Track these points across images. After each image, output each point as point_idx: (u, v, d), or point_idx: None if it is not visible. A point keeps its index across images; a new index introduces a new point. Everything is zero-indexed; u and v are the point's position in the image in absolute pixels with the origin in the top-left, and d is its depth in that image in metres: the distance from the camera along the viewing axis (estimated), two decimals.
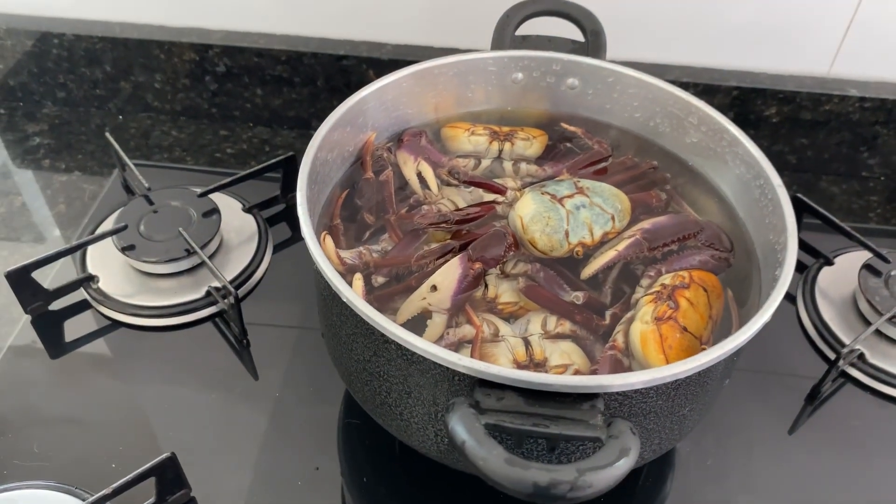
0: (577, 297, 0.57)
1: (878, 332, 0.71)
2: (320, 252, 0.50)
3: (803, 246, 0.80)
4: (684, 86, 0.86)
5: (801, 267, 0.80)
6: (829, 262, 0.78)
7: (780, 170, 0.90)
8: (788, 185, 0.88)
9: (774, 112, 0.87)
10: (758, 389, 0.69)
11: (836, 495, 0.63)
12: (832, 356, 0.70)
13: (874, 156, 0.90)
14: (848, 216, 0.87)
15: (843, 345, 0.70)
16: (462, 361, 0.44)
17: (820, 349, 0.72)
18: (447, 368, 0.45)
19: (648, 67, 0.87)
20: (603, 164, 0.66)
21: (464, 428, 0.40)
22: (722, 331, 0.56)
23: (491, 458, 0.38)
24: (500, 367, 0.43)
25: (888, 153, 0.89)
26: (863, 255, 0.76)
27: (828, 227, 0.78)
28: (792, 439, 0.66)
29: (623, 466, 0.39)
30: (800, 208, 0.79)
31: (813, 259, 0.79)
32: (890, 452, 0.66)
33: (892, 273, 0.73)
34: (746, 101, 0.87)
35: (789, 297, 0.77)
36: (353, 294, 0.47)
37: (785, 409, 0.68)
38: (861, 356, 0.70)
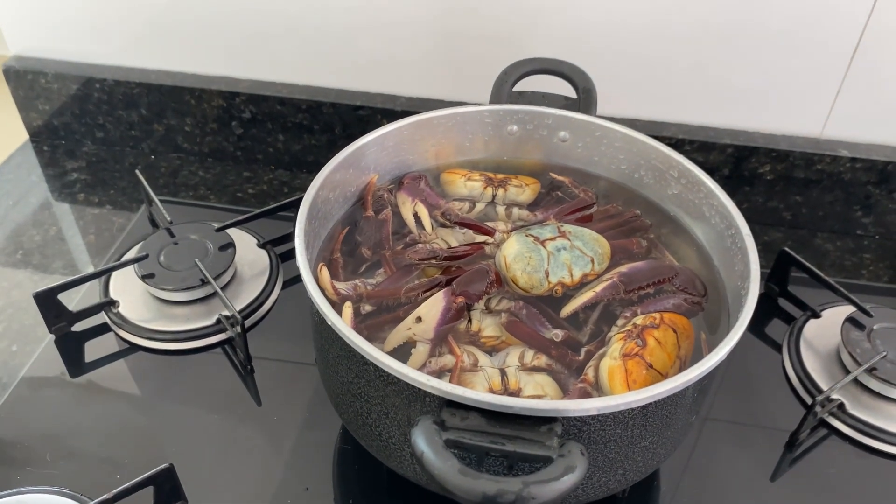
0: (556, 334, 0.60)
1: (860, 384, 0.73)
2: (312, 280, 0.54)
3: (791, 298, 0.83)
4: (681, 142, 0.90)
5: (788, 319, 0.82)
6: (816, 315, 0.81)
7: (776, 225, 0.95)
8: (783, 241, 0.92)
9: (768, 170, 0.90)
10: (739, 436, 0.72)
11: None
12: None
13: (868, 215, 0.92)
14: (840, 272, 0.89)
15: (822, 393, 0.72)
16: (430, 382, 0.47)
17: (802, 398, 0.74)
18: (418, 389, 0.49)
19: (647, 124, 0.92)
20: (588, 211, 0.70)
21: (424, 440, 0.44)
22: None
23: (445, 468, 0.42)
24: (465, 389, 0.47)
25: (882, 213, 0.92)
26: (849, 310, 0.78)
27: (816, 282, 0.80)
28: (772, 487, 0.68)
29: (567, 482, 0.42)
30: (787, 262, 0.82)
31: (801, 311, 0.82)
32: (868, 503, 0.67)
33: (875, 327, 0.75)
34: (741, 159, 0.90)
35: (776, 347, 0.80)
36: (336, 318, 0.52)
37: (765, 457, 0.70)
38: (841, 406, 0.72)
